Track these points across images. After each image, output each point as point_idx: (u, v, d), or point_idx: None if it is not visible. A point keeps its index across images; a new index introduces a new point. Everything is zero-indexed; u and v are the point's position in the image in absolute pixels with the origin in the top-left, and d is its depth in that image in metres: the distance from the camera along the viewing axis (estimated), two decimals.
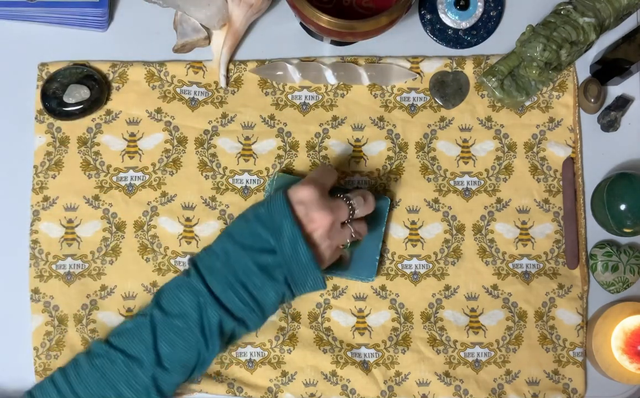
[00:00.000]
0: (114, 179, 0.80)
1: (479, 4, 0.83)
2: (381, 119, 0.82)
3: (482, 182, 0.81)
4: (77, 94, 0.79)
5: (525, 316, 0.80)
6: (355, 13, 0.80)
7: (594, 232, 0.81)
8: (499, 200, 0.81)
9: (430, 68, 0.83)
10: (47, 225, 0.79)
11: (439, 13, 0.83)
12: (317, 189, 0.68)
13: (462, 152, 0.82)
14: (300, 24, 0.83)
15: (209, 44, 0.82)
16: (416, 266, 0.80)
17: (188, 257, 0.77)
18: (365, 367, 0.78)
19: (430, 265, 0.80)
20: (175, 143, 0.81)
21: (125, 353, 0.66)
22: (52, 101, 0.79)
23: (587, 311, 0.80)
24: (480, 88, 0.83)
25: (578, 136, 0.82)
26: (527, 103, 0.83)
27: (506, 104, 0.82)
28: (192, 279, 0.67)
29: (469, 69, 0.83)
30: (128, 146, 0.80)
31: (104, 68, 0.81)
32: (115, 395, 0.65)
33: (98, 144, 0.80)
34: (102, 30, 0.82)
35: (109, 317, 0.78)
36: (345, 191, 0.73)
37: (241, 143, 0.81)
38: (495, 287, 0.80)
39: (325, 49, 0.83)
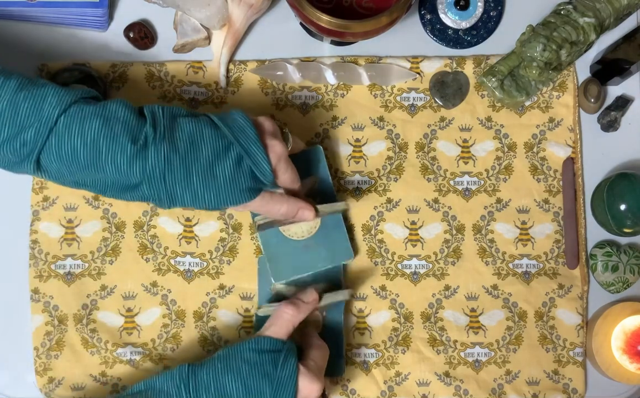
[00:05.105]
0: None
1: (479, 4, 0.83)
2: (381, 119, 0.82)
3: (482, 182, 0.81)
4: None
5: (525, 316, 0.80)
6: (355, 13, 0.80)
7: (594, 232, 0.81)
8: (499, 200, 0.81)
9: (430, 68, 0.83)
10: (47, 225, 0.79)
11: (439, 13, 0.83)
12: (322, 382, 0.68)
13: (462, 152, 0.82)
14: (300, 24, 0.83)
15: (209, 44, 0.82)
16: (416, 266, 0.80)
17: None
18: (365, 367, 0.78)
19: (430, 265, 0.80)
20: None
21: None
22: None
23: (587, 311, 0.80)
24: (480, 88, 0.83)
25: (578, 136, 0.82)
26: (527, 103, 0.83)
27: (506, 104, 0.82)
28: None
29: (469, 69, 0.83)
30: None
31: (104, 68, 0.81)
32: None
33: None
34: (102, 30, 0.82)
35: (109, 317, 0.78)
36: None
37: None
38: (495, 287, 0.80)
39: (325, 49, 0.83)
